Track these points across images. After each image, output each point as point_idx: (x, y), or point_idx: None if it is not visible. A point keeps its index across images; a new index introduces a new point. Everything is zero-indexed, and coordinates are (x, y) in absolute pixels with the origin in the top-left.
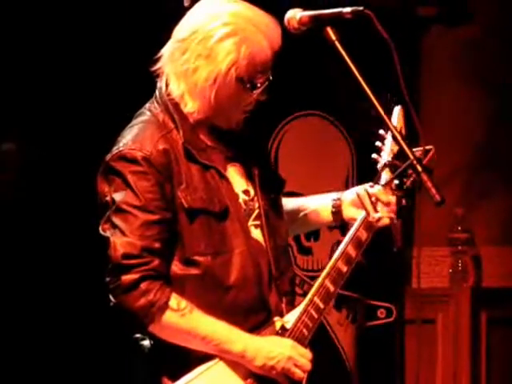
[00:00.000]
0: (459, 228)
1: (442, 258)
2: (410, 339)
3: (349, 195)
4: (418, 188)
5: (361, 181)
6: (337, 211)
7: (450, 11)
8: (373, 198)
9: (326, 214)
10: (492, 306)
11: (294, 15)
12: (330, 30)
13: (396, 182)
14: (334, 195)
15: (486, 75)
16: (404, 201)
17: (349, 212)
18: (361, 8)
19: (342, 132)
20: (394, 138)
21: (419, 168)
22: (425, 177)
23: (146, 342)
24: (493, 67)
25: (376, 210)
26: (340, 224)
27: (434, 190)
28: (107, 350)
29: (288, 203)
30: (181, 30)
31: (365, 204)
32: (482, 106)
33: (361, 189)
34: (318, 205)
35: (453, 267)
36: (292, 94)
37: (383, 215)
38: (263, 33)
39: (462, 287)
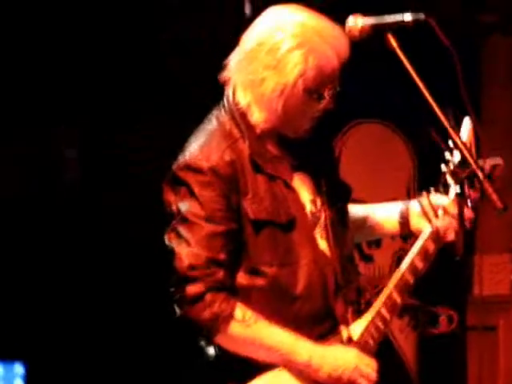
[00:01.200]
0: None
1: (504, 264)
2: (472, 346)
3: (417, 205)
4: (481, 198)
5: (422, 189)
6: (404, 221)
7: (508, 19)
8: (440, 210)
9: (393, 224)
10: None
11: (356, 24)
12: (391, 37)
13: (458, 189)
14: (402, 205)
15: None
16: (470, 212)
17: (417, 223)
18: (422, 15)
19: (404, 140)
20: (455, 144)
21: (481, 176)
22: (486, 184)
23: (211, 350)
24: None
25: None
26: (406, 234)
27: (495, 197)
28: (173, 357)
29: (354, 211)
30: (248, 39)
31: (427, 213)
32: None
33: (424, 199)
34: (384, 214)
35: None
36: (354, 100)
37: (448, 226)
38: (330, 44)
39: None
